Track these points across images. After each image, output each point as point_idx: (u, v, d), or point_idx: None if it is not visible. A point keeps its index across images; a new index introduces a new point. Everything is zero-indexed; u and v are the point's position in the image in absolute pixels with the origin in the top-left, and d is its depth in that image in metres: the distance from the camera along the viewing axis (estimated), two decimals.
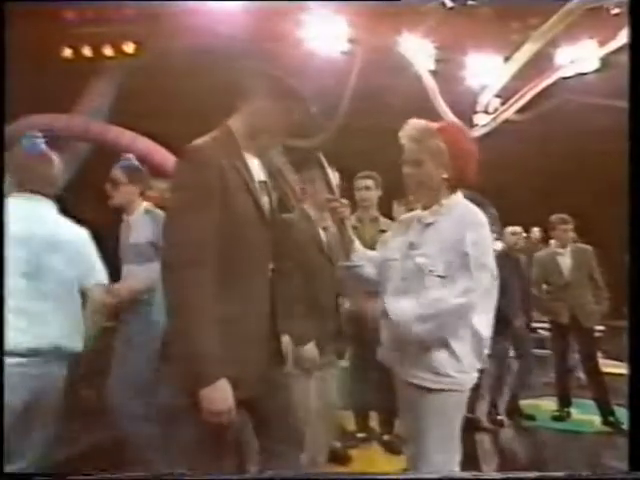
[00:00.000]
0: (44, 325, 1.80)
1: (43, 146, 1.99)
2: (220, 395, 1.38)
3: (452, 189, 1.76)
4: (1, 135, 1.70)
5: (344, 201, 1.98)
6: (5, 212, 1.71)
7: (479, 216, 1.72)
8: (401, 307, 1.68)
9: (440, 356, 1.66)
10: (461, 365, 1.67)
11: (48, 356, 1.81)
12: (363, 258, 1.91)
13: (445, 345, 1.66)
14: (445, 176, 1.73)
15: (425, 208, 1.79)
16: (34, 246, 1.82)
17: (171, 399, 2.42)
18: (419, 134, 1.75)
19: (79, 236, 1.99)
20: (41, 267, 1.83)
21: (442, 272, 1.65)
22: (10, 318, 1.71)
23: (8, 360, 1.70)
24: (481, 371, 1.76)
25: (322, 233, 2.42)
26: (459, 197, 1.77)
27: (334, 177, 2.13)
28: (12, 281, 1.75)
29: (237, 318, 1.46)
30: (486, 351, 1.72)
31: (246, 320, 1.48)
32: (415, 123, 1.78)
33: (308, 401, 2.21)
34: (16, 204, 1.86)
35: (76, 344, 1.92)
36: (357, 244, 1.94)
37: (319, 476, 1.58)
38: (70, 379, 1.96)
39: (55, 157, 2.01)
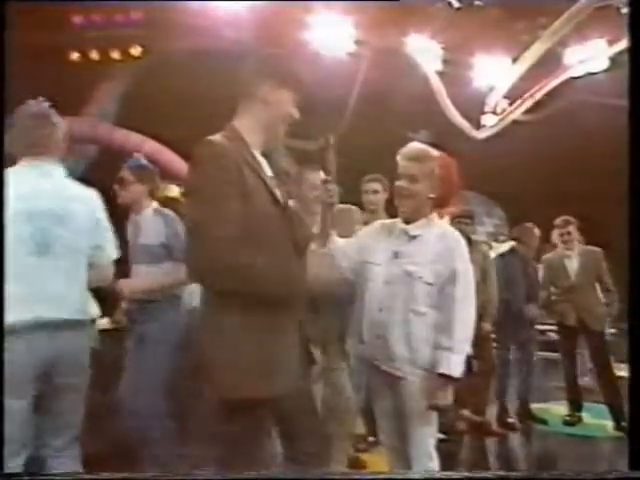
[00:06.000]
0: (57, 299, 1.81)
1: (47, 107, 1.96)
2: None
3: (434, 208, 1.99)
4: (1, 134, 1.69)
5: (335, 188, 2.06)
6: (5, 210, 1.69)
7: (458, 234, 1.99)
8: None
9: (422, 349, 1.87)
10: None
11: (63, 327, 1.82)
12: (339, 250, 2.03)
13: (425, 339, 1.88)
14: (432, 196, 1.95)
15: (408, 221, 1.98)
16: (40, 221, 1.79)
17: (192, 396, 2.42)
18: (419, 155, 1.96)
19: (88, 204, 1.95)
20: (49, 241, 1.81)
21: (431, 280, 1.88)
22: (22, 293, 1.72)
23: (24, 334, 1.72)
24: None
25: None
26: (436, 217, 2.01)
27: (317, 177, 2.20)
28: (22, 258, 1.75)
29: (265, 313, 1.47)
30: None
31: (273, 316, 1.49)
32: (416, 145, 2.01)
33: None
34: (20, 176, 1.83)
35: (89, 314, 1.94)
36: (335, 236, 2.04)
37: (319, 476, 1.56)
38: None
39: (59, 119, 1.96)
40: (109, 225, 2.03)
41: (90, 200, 1.97)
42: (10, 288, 1.65)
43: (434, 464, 1.92)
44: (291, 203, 1.64)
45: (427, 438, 1.93)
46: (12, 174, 1.81)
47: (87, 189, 1.99)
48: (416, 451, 1.91)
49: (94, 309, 1.99)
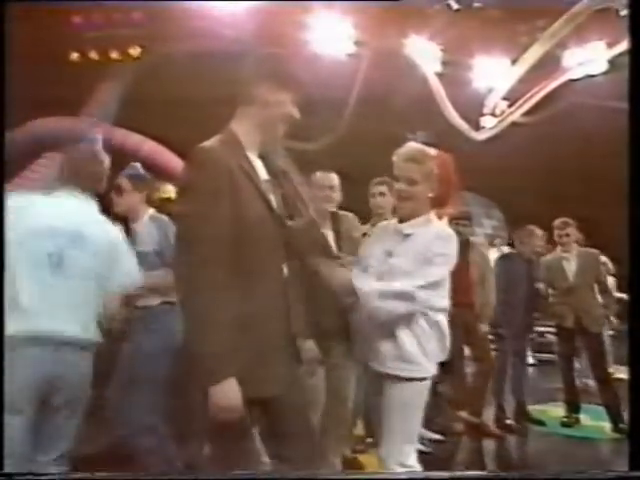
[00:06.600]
0: (59, 315, 1.87)
1: (100, 147, 2.19)
2: (228, 393, 1.40)
3: (431, 207, 1.98)
4: (1, 137, 1.70)
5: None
6: (5, 212, 1.75)
7: (450, 234, 1.97)
8: (367, 283, 1.86)
9: (408, 346, 1.86)
10: (426, 353, 1.87)
11: (61, 344, 1.87)
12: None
13: (410, 335, 1.86)
14: (430, 195, 1.94)
15: (403, 220, 1.98)
16: (59, 240, 1.92)
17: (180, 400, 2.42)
18: (417, 155, 1.95)
19: (108, 236, 2.06)
20: (64, 261, 1.91)
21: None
22: (28, 305, 1.82)
23: (23, 347, 1.78)
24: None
25: (327, 236, 2.39)
26: (434, 216, 1.99)
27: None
28: (37, 273, 1.86)
29: (254, 317, 1.47)
30: (448, 344, 1.93)
31: (264, 318, 1.50)
32: (415, 146, 2.01)
33: (319, 403, 2.19)
34: (56, 200, 2.01)
35: (91, 335, 1.97)
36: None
37: (320, 476, 1.57)
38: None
39: (106, 158, 2.14)
40: (129, 252, 2.13)
41: (111, 230, 2.10)
42: (21, 299, 1.78)
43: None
44: (291, 211, 1.63)
45: (403, 445, 1.86)
46: (51, 197, 2.01)
47: (111, 222, 2.13)
48: (389, 456, 1.85)
49: (96, 333, 2.01)
